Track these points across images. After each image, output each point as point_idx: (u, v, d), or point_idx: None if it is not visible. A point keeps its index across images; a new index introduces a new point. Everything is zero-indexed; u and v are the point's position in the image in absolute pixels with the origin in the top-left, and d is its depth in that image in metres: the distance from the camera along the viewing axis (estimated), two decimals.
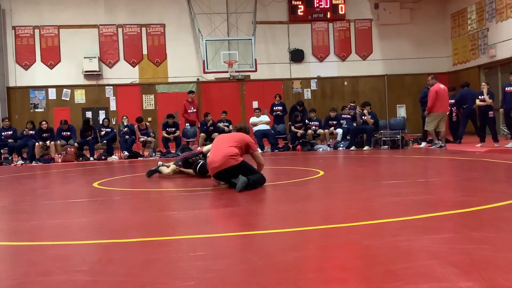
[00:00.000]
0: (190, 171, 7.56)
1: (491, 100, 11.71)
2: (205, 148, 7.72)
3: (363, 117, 13.14)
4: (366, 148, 12.84)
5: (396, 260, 2.63)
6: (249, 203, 5.01)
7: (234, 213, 4.61)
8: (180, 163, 7.70)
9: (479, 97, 11.92)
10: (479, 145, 11.56)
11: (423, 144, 12.81)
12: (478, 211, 3.94)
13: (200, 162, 7.36)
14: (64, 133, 13.38)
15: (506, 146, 10.76)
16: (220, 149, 5.98)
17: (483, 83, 12.54)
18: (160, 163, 8.01)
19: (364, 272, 2.47)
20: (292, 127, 13.89)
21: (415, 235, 3.19)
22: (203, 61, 17.08)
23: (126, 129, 13.65)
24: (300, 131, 13.61)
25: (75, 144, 13.06)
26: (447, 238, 3.08)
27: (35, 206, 5.40)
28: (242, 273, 2.56)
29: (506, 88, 11.18)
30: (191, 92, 15.14)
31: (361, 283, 2.30)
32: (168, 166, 7.80)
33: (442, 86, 12.29)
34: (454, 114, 13.67)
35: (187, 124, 14.54)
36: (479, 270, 2.38)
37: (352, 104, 15.19)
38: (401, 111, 18.29)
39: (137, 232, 3.76)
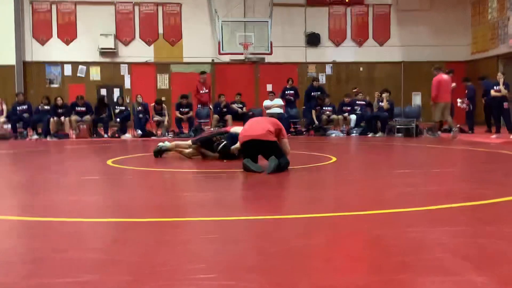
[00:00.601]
0: (208, 152, 7.26)
1: (506, 91, 11.59)
2: (232, 129, 7.58)
3: (380, 102, 13.07)
4: (378, 134, 12.79)
5: (408, 251, 2.62)
6: (261, 187, 5.02)
7: (246, 197, 4.63)
8: (199, 143, 7.35)
9: (494, 87, 11.79)
10: (494, 136, 11.46)
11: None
12: (492, 204, 3.90)
13: (223, 142, 7.07)
14: (79, 108, 13.46)
15: None
16: (257, 124, 6.14)
17: (499, 74, 12.41)
18: (166, 142, 7.82)
19: (375, 262, 2.47)
20: (313, 111, 13.74)
21: (428, 226, 3.18)
22: (219, 42, 17.02)
23: (140, 108, 13.70)
24: (316, 121, 13.51)
25: (89, 117, 13.11)
26: (461, 231, 3.06)
27: (50, 182, 5.47)
28: (253, 258, 2.57)
29: None
30: (202, 72, 15.04)
31: (373, 274, 2.30)
32: (177, 147, 7.62)
33: (445, 76, 12.28)
34: (465, 105, 13.51)
35: (199, 105, 14.53)
36: (492, 265, 2.37)
37: (354, 91, 15.02)
38: (417, 99, 18.11)
39: (151, 212, 3.79)
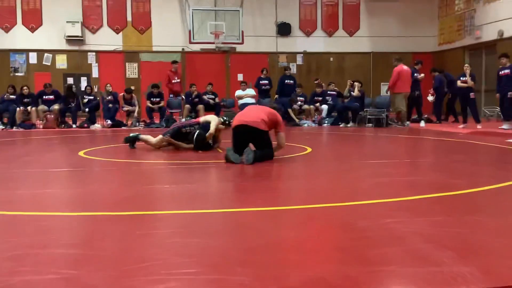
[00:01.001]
0: (181, 144, 7.30)
1: (472, 82, 11.86)
2: (202, 119, 7.56)
3: (351, 92, 13.19)
4: (350, 124, 12.92)
5: (391, 242, 2.66)
6: (240, 178, 5.01)
7: (225, 189, 4.61)
8: (169, 135, 7.38)
9: (461, 78, 12.05)
10: (461, 126, 11.72)
11: (422, 123, 12.83)
12: (467, 194, 4.00)
13: (197, 131, 7.10)
14: (47, 96, 13.12)
15: (500, 127, 10.84)
16: (253, 111, 6.09)
17: (466, 65, 12.72)
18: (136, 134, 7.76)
19: (361, 253, 2.49)
20: (290, 110, 13.63)
21: (407, 217, 3.23)
22: (189, 31, 16.83)
23: (110, 97, 13.44)
24: (296, 120, 13.49)
25: (57, 106, 12.79)
26: (440, 221, 3.11)
27: (22, 174, 5.31)
28: (240, 252, 2.55)
29: (500, 72, 11.18)
30: (174, 62, 14.85)
31: (361, 265, 2.31)
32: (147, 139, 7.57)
33: (405, 67, 12.91)
34: (430, 95, 13.79)
35: (171, 95, 14.38)
36: (474, 255, 2.42)
37: (316, 82, 15.12)
38: (386, 90, 18.34)
39: (131, 205, 3.72)
